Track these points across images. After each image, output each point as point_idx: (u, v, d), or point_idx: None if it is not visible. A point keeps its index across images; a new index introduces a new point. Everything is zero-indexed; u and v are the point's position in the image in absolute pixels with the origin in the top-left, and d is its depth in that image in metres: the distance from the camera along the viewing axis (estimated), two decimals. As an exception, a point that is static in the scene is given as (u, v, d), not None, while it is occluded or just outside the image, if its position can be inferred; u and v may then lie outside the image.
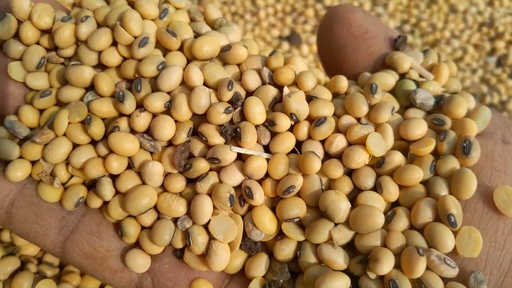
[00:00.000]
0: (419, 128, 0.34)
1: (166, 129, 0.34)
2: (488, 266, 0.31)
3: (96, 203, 0.35)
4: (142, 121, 0.34)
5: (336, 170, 0.34)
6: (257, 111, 0.34)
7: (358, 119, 0.36)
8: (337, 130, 0.36)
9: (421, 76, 0.40)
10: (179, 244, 0.34)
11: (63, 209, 0.36)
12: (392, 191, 0.33)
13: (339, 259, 0.32)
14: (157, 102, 0.34)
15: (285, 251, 0.33)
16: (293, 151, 0.35)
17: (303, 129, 0.35)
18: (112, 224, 0.36)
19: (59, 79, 0.38)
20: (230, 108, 0.34)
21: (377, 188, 0.34)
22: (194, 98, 0.34)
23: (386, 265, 0.30)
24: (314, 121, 0.35)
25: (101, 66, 0.38)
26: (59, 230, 0.35)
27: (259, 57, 0.38)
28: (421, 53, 0.41)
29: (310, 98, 0.36)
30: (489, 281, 0.31)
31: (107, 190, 0.34)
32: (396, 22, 1.09)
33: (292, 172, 0.34)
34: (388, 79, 0.38)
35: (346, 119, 0.36)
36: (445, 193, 0.32)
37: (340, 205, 0.32)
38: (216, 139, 0.34)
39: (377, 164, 0.34)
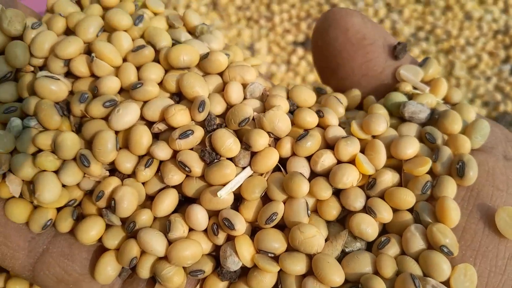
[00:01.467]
0: (410, 147, 0.32)
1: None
2: None
3: (65, 226, 0.32)
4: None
5: (324, 191, 0.31)
6: (227, 146, 0.31)
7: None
8: (326, 143, 0.33)
9: (415, 88, 0.38)
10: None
11: None
12: (386, 214, 0.31)
13: None
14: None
15: (263, 282, 0.30)
16: (278, 168, 0.33)
17: (286, 145, 0.32)
18: (85, 246, 0.33)
19: (29, 90, 0.35)
20: (189, 132, 0.31)
21: (367, 210, 0.31)
22: (133, 139, 0.32)
23: None
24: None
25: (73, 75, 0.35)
26: (29, 252, 0.32)
27: (243, 67, 0.35)
28: (419, 68, 0.38)
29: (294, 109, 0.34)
30: None
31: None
32: (411, 29, 1.08)
33: (277, 194, 0.31)
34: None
35: (333, 132, 0.33)
36: (432, 220, 0.31)
37: (314, 242, 0.29)
38: (198, 167, 0.31)
39: (367, 185, 0.32)
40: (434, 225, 0.30)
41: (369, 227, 0.30)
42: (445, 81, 0.37)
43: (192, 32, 0.39)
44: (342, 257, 0.31)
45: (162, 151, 0.32)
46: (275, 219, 0.30)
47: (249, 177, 0.32)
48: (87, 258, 0.32)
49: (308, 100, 0.36)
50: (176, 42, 0.37)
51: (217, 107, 0.34)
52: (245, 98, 0.35)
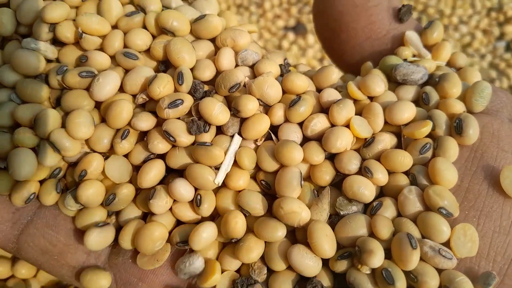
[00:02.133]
0: (406, 111, 0.31)
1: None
2: (491, 253, 0.28)
3: (49, 200, 0.31)
4: None
5: (316, 155, 0.30)
6: (216, 114, 0.30)
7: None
8: (321, 107, 0.32)
9: (415, 56, 0.36)
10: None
11: None
12: (382, 176, 0.29)
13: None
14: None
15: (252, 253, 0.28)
16: (270, 136, 0.31)
17: (278, 112, 0.31)
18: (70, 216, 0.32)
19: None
20: (179, 101, 0.30)
21: (363, 172, 0.30)
22: (111, 113, 0.30)
23: (380, 256, 0.27)
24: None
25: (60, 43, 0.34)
26: (13, 223, 0.31)
27: (236, 31, 0.33)
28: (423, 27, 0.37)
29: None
30: (492, 268, 0.28)
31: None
32: (403, 9, 1.06)
33: (268, 163, 0.30)
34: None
35: (328, 95, 0.31)
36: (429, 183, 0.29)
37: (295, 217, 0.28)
38: (184, 138, 0.30)
39: (364, 143, 0.30)
40: (430, 187, 0.28)
41: (364, 188, 0.29)
42: (449, 45, 0.36)
43: None
44: (337, 221, 0.29)
45: (144, 122, 0.30)
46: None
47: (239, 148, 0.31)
48: (72, 228, 0.32)
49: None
50: (166, 8, 0.35)
51: (206, 72, 0.32)
52: (237, 65, 0.33)
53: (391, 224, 0.28)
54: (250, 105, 0.30)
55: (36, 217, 0.32)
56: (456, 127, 0.30)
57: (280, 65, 0.34)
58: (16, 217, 0.32)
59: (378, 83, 0.32)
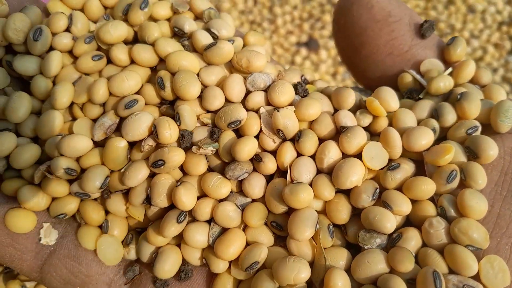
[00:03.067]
0: (424, 138, 0.29)
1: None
2: None
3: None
4: None
5: (327, 191, 0.29)
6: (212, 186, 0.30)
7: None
8: (336, 129, 0.31)
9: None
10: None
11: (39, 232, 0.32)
12: (403, 206, 0.28)
13: None
14: None
15: None
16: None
17: (288, 151, 0.30)
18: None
19: None
20: (160, 162, 0.29)
21: (382, 204, 0.28)
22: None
23: None
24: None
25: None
26: (36, 254, 0.32)
27: (252, 52, 0.33)
28: (440, 62, 0.36)
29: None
30: None
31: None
32: (414, 24, 1.06)
33: (277, 207, 0.29)
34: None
35: (343, 116, 0.31)
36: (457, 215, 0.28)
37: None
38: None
39: (389, 166, 0.29)
40: (456, 224, 0.27)
41: (383, 220, 0.27)
42: (473, 62, 0.35)
43: (200, 17, 0.37)
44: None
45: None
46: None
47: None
48: (93, 260, 0.32)
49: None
50: (179, 30, 0.35)
51: (215, 102, 0.31)
52: (248, 91, 0.32)
53: (411, 256, 0.27)
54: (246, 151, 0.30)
55: (58, 247, 0.32)
56: (469, 150, 0.29)
57: (297, 84, 0.33)
58: (39, 247, 0.32)
59: (392, 97, 0.32)
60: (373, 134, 0.32)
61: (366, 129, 0.32)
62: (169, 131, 0.29)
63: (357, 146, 0.29)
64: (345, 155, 0.30)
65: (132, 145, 0.31)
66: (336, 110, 0.33)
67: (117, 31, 0.34)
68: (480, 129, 0.31)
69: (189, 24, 0.35)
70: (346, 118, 0.31)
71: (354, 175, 0.28)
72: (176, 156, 0.29)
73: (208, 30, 0.35)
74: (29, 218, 0.32)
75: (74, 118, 0.33)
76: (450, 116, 0.31)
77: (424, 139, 0.30)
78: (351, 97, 0.32)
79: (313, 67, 1.03)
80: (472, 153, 0.29)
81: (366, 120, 0.32)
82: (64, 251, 0.32)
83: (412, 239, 0.28)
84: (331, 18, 1.07)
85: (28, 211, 0.32)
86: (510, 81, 1.00)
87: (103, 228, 0.32)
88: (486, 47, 1.02)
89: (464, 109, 0.31)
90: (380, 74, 0.37)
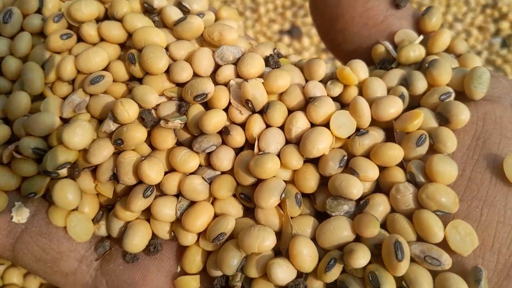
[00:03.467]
0: (393, 106, 0.29)
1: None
2: (496, 244, 0.26)
3: None
4: None
5: (295, 160, 0.28)
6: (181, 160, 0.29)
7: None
8: (305, 100, 0.30)
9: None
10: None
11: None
12: (370, 172, 0.27)
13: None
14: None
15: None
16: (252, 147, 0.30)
17: (256, 123, 0.30)
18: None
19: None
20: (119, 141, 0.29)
21: (349, 171, 0.28)
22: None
23: (363, 256, 0.25)
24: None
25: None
26: (8, 232, 0.32)
27: (224, 26, 0.32)
28: (415, 33, 0.36)
29: None
30: (497, 260, 0.26)
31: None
32: (397, 10, 1.05)
33: (245, 179, 0.29)
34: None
35: (313, 86, 0.30)
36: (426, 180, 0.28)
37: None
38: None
39: (358, 132, 0.29)
40: (424, 189, 0.27)
41: (349, 186, 0.27)
42: (448, 31, 0.34)
43: None
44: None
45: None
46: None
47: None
48: (64, 237, 0.32)
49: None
50: (149, 5, 0.34)
51: (183, 74, 0.31)
52: (218, 65, 0.32)
53: (376, 221, 0.26)
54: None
55: (30, 225, 0.32)
56: (440, 116, 0.29)
57: (268, 56, 0.33)
58: (11, 226, 0.32)
59: (362, 67, 0.32)
60: (343, 104, 0.32)
61: (337, 99, 0.31)
62: (126, 112, 0.29)
63: (325, 115, 0.29)
64: (313, 126, 0.30)
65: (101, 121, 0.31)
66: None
67: (88, 9, 0.33)
68: (453, 95, 0.30)
69: (158, 1, 0.34)
70: (316, 88, 0.30)
71: (321, 143, 0.28)
72: (136, 134, 0.29)
73: (179, 4, 0.35)
74: (0, 198, 0.31)
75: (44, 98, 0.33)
76: (420, 83, 0.31)
77: (393, 107, 0.29)
78: (321, 68, 0.32)
79: (296, 55, 1.02)
80: (444, 119, 0.29)
81: (337, 89, 0.31)
82: (35, 228, 0.32)
83: (380, 205, 0.27)
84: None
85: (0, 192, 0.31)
86: (494, 63, 0.99)
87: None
88: (470, 30, 1.01)
89: (433, 76, 0.31)
90: (356, 46, 0.37)
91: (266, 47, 0.34)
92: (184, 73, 0.31)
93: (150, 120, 0.30)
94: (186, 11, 0.35)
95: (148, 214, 0.30)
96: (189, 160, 0.29)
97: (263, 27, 1.05)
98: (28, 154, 0.30)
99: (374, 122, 0.30)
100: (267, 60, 0.33)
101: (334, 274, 0.26)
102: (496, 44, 1.00)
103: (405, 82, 0.32)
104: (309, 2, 0.40)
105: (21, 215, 0.32)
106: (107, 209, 0.32)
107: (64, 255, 0.31)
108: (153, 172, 0.29)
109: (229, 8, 0.36)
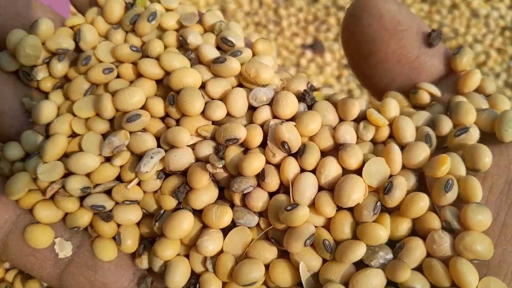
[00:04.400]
0: (423, 154, 0.30)
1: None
2: None
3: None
4: None
5: (329, 209, 0.29)
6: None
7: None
8: (335, 143, 0.31)
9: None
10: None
11: None
12: (403, 227, 0.29)
13: None
14: None
15: None
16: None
17: (290, 167, 0.30)
18: None
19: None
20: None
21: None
22: None
23: None
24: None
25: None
26: (55, 262, 0.33)
27: (262, 65, 0.33)
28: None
29: None
30: None
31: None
32: (418, 28, 1.06)
33: (278, 224, 0.30)
34: None
35: (344, 131, 0.31)
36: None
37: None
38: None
39: (384, 190, 0.29)
40: (461, 240, 0.27)
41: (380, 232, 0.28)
42: (479, 72, 0.35)
43: (209, 30, 0.38)
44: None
45: None
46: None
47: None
48: (109, 269, 0.33)
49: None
50: (183, 41, 0.35)
51: (217, 112, 0.32)
52: (252, 107, 0.33)
53: (406, 266, 0.27)
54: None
55: (76, 256, 0.33)
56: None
57: (303, 92, 0.34)
58: (58, 257, 0.33)
59: (395, 108, 0.32)
60: (375, 143, 0.33)
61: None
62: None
63: (357, 163, 0.30)
64: (344, 171, 0.30)
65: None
66: (341, 120, 0.33)
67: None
68: (473, 130, 0.31)
69: (193, 36, 0.35)
70: (346, 134, 0.31)
71: (355, 194, 0.29)
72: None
73: (223, 39, 0.36)
74: (46, 233, 0.32)
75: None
76: (445, 123, 0.32)
77: (422, 154, 0.30)
78: (355, 109, 0.32)
79: (318, 70, 1.03)
80: (468, 162, 0.30)
81: (369, 134, 0.32)
82: (81, 260, 0.33)
83: (416, 249, 0.28)
84: (339, 23, 1.06)
85: (45, 226, 0.32)
86: (513, 86, 1.00)
87: (116, 240, 0.32)
88: (489, 51, 1.02)
89: (457, 116, 0.32)
90: (388, 81, 0.38)
91: (300, 82, 0.35)
92: (219, 111, 0.32)
93: (182, 193, 0.31)
94: (231, 45, 0.36)
95: (187, 250, 0.31)
96: (223, 215, 0.30)
97: (285, 40, 1.07)
98: (76, 194, 0.31)
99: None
100: (302, 96, 0.33)
101: None
102: (514, 67, 1.01)
103: (432, 123, 0.32)
104: (342, 34, 0.40)
105: (64, 250, 0.33)
106: (148, 242, 0.33)
107: (109, 286, 0.33)
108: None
109: (264, 42, 0.37)
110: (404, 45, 0.36)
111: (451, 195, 0.29)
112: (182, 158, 0.31)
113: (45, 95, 0.36)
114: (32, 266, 0.33)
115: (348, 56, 0.40)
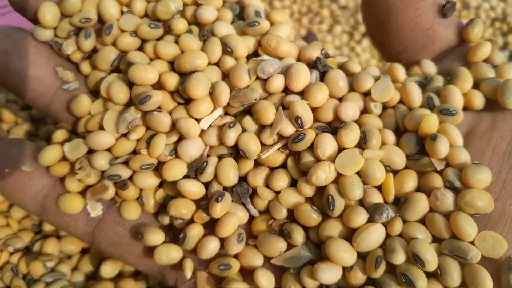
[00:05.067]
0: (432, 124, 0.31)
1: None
2: None
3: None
4: None
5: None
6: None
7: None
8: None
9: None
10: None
11: None
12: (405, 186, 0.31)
13: None
14: None
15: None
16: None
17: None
18: None
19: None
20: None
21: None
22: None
23: (400, 254, 0.28)
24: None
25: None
26: (87, 221, 0.36)
27: (282, 38, 0.35)
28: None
29: None
30: None
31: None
32: (410, 20, 1.07)
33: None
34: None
35: (346, 108, 0.33)
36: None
37: None
38: None
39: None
40: (462, 198, 0.29)
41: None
42: (489, 44, 0.37)
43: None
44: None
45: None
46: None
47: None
48: (133, 224, 0.36)
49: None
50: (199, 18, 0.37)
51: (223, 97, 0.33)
52: (257, 78, 0.34)
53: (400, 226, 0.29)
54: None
55: (107, 214, 0.36)
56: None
57: (316, 59, 0.35)
58: (89, 216, 0.36)
59: (402, 70, 0.35)
60: (385, 107, 0.35)
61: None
62: None
63: (353, 141, 0.32)
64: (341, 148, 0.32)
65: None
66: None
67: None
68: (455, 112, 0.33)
69: (210, 13, 0.37)
70: (349, 110, 0.33)
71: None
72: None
73: (256, 12, 0.38)
74: (77, 201, 0.36)
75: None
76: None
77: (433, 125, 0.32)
78: (367, 84, 0.34)
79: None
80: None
81: (377, 110, 0.34)
82: (111, 217, 0.36)
83: (420, 202, 0.30)
84: (332, 15, 1.06)
85: (75, 195, 0.36)
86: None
87: (139, 202, 0.36)
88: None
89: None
90: (403, 48, 0.40)
91: (314, 48, 0.36)
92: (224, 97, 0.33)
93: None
94: (258, 16, 0.38)
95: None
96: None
97: (279, 32, 1.07)
98: (103, 168, 0.34)
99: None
100: (315, 63, 0.35)
101: (382, 269, 0.29)
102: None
103: (431, 100, 0.34)
104: (361, 3, 0.42)
105: (95, 210, 0.36)
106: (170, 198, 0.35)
107: (137, 240, 0.35)
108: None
109: (280, 12, 0.39)
110: (420, 14, 0.39)
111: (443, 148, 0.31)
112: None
113: (76, 65, 0.38)
114: (67, 225, 0.36)
115: (366, 24, 0.43)
